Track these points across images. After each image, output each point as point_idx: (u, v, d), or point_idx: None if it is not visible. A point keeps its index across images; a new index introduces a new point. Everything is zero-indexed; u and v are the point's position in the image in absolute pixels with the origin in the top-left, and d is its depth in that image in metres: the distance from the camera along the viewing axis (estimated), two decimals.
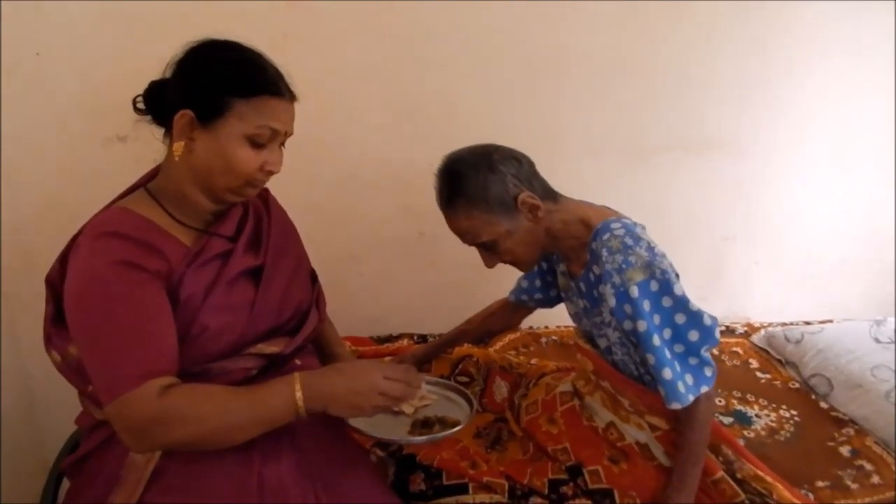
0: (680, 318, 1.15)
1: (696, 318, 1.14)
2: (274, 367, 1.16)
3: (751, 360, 1.87)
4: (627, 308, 1.14)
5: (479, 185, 1.18)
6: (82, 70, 1.64)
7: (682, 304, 1.14)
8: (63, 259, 1.05)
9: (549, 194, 1.26)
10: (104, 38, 1.63)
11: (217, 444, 0.97)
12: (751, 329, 2.06)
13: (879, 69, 2.00)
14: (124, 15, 1.62)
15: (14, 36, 1.58)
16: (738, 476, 1.24)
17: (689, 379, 1.15)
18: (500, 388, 1.54)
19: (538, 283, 1.51)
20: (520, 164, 1.22)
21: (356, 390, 1.01)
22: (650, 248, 1.16)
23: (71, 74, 1.64)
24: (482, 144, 1.24)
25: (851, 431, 1.52)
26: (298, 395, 0.97)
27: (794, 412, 1.60)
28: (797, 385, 1.73)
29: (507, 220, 1.21)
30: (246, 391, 0.99)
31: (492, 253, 1.26)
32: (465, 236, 1.25)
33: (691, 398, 1.13)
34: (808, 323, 2.02)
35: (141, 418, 0.91)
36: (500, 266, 1.33)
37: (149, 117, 1.08)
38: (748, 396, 1.67)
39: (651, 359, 1.14)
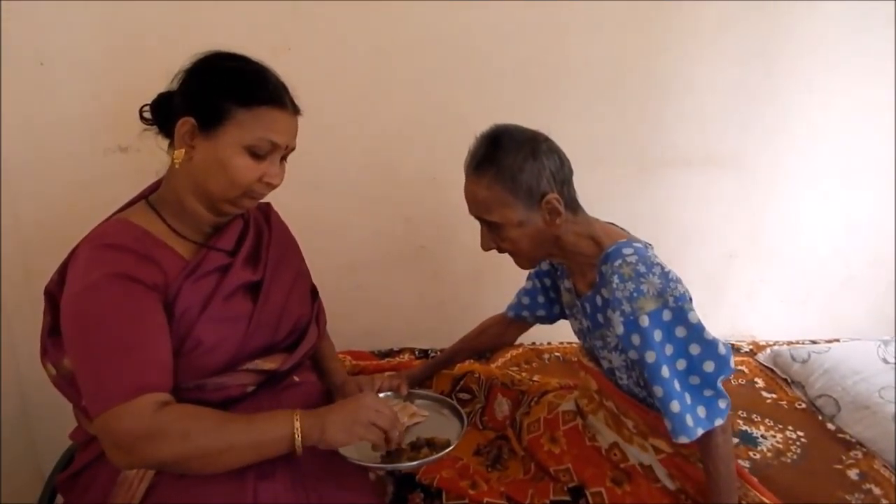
0: (695, 349, 1.11)
1: (711, 347, 1.10)
2: (271, 384, 1.15)
3: (756, 380, 1.84)
4: (636, 339, 1.11)
5: (514, 163, 1.15)
6: (85, 81, 1.64)
7: (697, 333, 1.11)
8: (62, 270, 1.05)
9: (572, 205, 1.22)
10: (107, 49, 1.63)
11: (207, 467, 0.95)
12: (756, 348, 2.03)
13: (884, 85, 1.98)
14: (127, 27, 1.63)
15: (17, 46, 1.59)
16: (743, 503, 1.22)
17: (701, 412, 1.11)
18: (502, 406, 1.52)
19: (541, 299, 1.49)
20: (561, 165, 1.19)
21: (351, 411, 1.02)
22: (664, 274, 1.12)
23: (73, 85, 1.64)
24: (536, 130, 1.21)
25: (859, 454, 1.49)
26: (297, 420, 0.96)
27: (800, 433, 1.57)
28: (803, 405, 1.70)
29: (523, 211, 1.17)
30: (242, 416, 0.98)
31: (494, 235, 1.22)
32: (476, 207, 1.21)
33: (700, 431, 1.09)
34: (814, 342, 1.99)
35: (130, 433, 0.89)
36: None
37: (154, 128, 1.08)
38: (754, 417, 1.64)
39: (659, 391, 1.10)
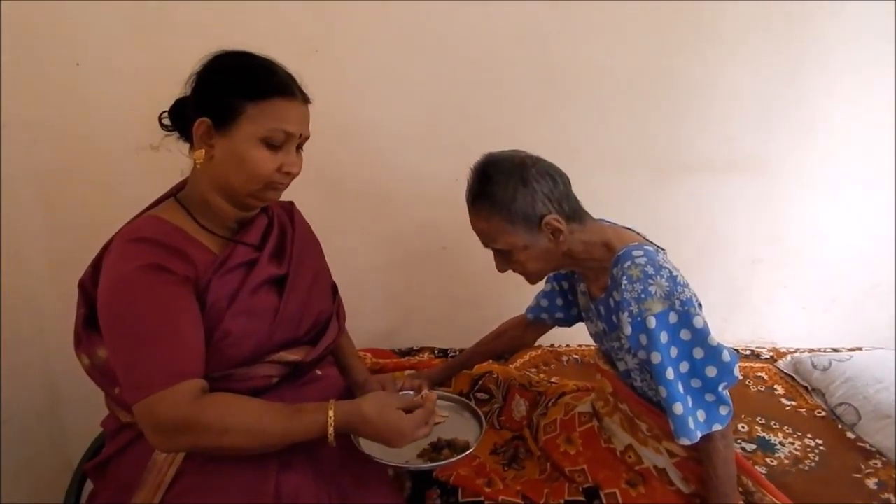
0: (698, 353, 1.12)
1: (715, 353, 1.12)
2: (295, 376, 1.18)
3: (776, 386, 1.83)
4: (643, 338, 1.13)
5: (507, 194, 1.17)
6: (118, 81, 1.69)
7: (701, 337, 1.12)
8: (96, 264, 1.09)
9: (577, 215, 1.24)
10: (139, 50, 1.68)
11: (241, 455, 1.01)
12: (777, 354, 2.02)
13: None
14: (159, 28, 1.67)
15: (55, 47, 1.64)
16: None
17: (700, 416, 1.12)
18: (519, 406, 1.53)
19: (559, 301, 1.50)
20: (554, 183, 1.20)
21: (386, 435, 1.06)
22: (672, 278, 1.13)
23: (107, 85, 1.69)
24: (523, 153, 1.23)
25: (879, 463, 1.48)
26: (331, 426, 1.01)
27: (819, 441, 1.56)
28: (823, 413, 1.69)
29: (526, 235, 1.20)
30: (280, 414, 1.01)
31: (504, 260, 1.26)
32: (482, 237, 1.25)
33: (699, 435, 1.11)
34: (835, 350, 1.98)
35: (173, 419, 0.94)
36: (524, 281, 1.33)
37: (175, 133, 1.11)
38: (772, 423, 1.64)
39: (663, 391, 1.12)
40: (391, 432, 1.05)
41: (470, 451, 1.17)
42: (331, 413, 1.02)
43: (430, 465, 1.17)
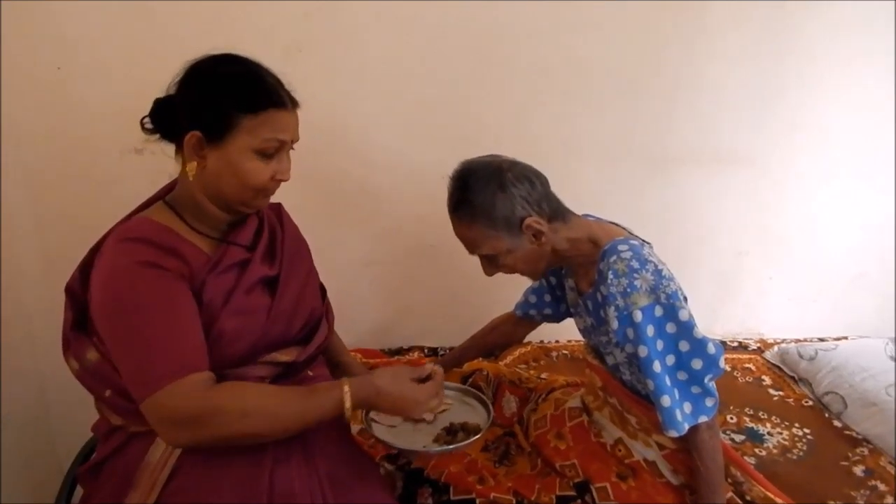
0: (684, 346, 1.13)
1: (700, 345, 1.13)
2: (287, 377, 1.18)
3: (763, 377, 1.85)
4: (630, 332, 1.14)
5: (486, 201, 1.18)
6: (101, 84, 1.67)
7: (686, 330, 1.13)
8: (83, 268, 1.08)
9: (559, 214, 1.25)
10: (121, 52, 1.66)
11: (258, 441, 1.01)
12: (764, 345, 2.04)
13: None
14: (141, 30, 1.66)
15: (36, 51, 1.62)
16: (748, 498, 1.23)
17: (687, 407, 1.14)
18: (510, 403, 1.54)
19: (547, 297, 1.51)
20: (532, 186, 1.21)
21: (402, 407, 1.07)
22: (657, 272, 1.14)
23: (90, 88, 1.67)
24: (499, 159, 1.24)
25: (865, 451, 1.50)
26: (347, 401, 1.02)
27: (806, 430, 1.58)
28: (810, 403, 1.71)
29: (508, 239, 1.21)
30: (296, 395, 1.02)
31: (491, 264, 1.28)
32: (466, 244, 1.27)
33: (686, 427, 1.13)
34: (822, 340, 2.00)
35: (187, 410, 0.93)
36: (513, 279, 1.34)
37: (157, 136, 1.09)
38: (760, 414, 1.66)
39: (650, 384, 1.13)
40: (406, 402, 1.06)
41: (483, 432, 1.19)
42: (346, 388, 1.02)
43: (447, 447, 1.17)
